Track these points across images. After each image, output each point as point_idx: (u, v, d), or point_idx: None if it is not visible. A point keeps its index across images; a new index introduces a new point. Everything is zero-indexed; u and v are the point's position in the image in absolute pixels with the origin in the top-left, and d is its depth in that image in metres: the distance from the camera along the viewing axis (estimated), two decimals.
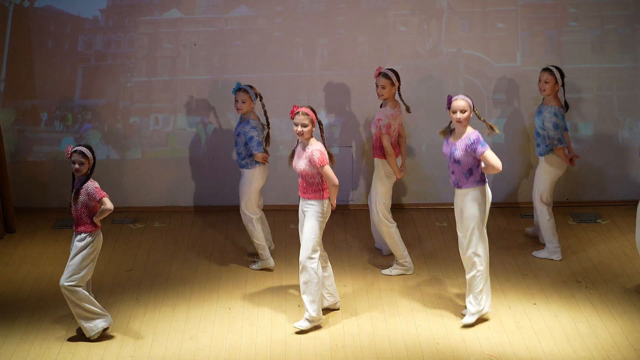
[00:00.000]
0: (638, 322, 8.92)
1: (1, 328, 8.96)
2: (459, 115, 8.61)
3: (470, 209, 8.71)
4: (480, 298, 8.85)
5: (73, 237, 8.59)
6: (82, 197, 8.49)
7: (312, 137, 8.76)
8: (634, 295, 9.44)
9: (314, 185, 8.75)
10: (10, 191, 11.13)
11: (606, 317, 9.02)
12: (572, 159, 10.24)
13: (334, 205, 8.83)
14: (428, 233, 11.04)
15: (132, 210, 11.70)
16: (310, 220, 8.80)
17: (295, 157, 8.85)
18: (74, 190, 8.54)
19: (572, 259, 10.27)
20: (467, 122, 8.66)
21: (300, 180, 8.83)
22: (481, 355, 8.43)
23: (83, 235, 8.51)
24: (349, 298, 9.49)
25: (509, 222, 11.20)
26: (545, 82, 10.02)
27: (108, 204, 8.50)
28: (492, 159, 8.59)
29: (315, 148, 8.68)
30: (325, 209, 8.81)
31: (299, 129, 8.69)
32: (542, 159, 10.22)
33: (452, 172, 8.75)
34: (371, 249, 10.61)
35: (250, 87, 9.88)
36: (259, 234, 10.07)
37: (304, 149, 8.77)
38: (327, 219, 8.86)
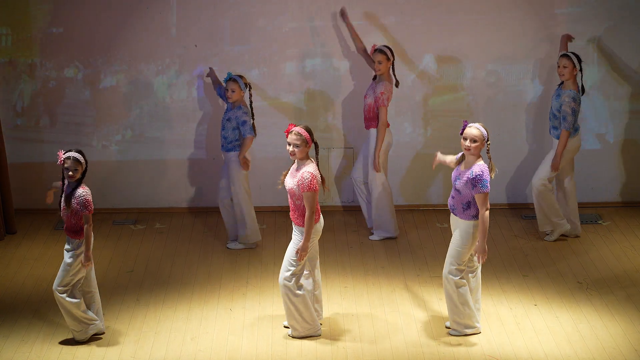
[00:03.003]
0: (639, 323, 8.91)
1: (2, 329, 8.96)
2: (469, 143, 8.30)
3: (458, 239, 8.50)
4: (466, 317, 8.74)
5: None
6: (74, 204, 8.36)
7: (308, 158, 8.47)
8: (635, 296, 9.43)
9: (301, 208, 8.45)
10: (11, 192, 11.13)
11: (607, 318, 9.02)
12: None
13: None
14: (429, 234, 11.03)
15: (133, 211, 11.70)
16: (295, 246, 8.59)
17: (289, 175, 8.55)
18: (65, 195, 8.41)
19: (573, 260, 10.27)
20: (477, 152, 8.33)
21: (289, 200, 8.56)
22: (482, 356, 8.43)
23: (70, 240, 8.46)
24: (350, 298, 9.49)
25: (510, 223, 11.19)
26: (564, 67, 10.30)
27: (89, 222, 8.30)
28: (483, 203, 8.29)
29: (308, 170, 8.36)
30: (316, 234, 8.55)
31: (291, 148, 8.38)
32: (558, 141, 10.41)
33: (452, 197, 8.52)
34: (371, 248, 10.61)
35: (240, 77, 10.39)
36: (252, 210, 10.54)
37: (297, 168, 8.47)
38: (317, 237, 8.59)
